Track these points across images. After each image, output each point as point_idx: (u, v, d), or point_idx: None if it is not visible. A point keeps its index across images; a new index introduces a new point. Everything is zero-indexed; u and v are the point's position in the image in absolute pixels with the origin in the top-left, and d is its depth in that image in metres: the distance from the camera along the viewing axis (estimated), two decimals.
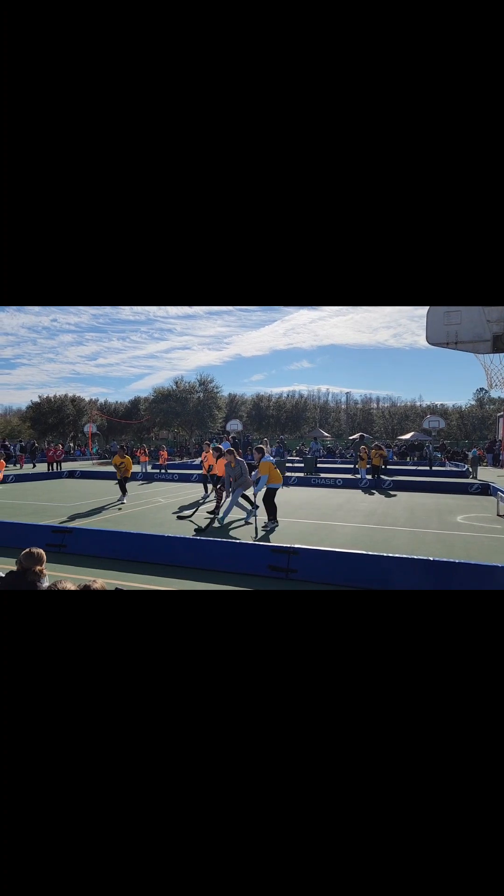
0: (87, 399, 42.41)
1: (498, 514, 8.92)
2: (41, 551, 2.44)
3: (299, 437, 39.74)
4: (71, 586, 1.88)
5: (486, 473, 18.17)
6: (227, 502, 7.66)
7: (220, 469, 8.27)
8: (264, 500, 7.19)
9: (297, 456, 27.35)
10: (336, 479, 14.62)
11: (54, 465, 18.87)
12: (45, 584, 2.35)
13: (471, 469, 16.60)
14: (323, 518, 8.53)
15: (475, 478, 15.15)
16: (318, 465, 18.65)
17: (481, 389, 45.39)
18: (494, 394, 36.11)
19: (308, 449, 24.51)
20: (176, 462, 22.90)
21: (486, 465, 24.02)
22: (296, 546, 5.18)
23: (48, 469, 18.38)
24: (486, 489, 12.40)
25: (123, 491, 10.16)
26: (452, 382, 77.70)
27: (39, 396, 39.72)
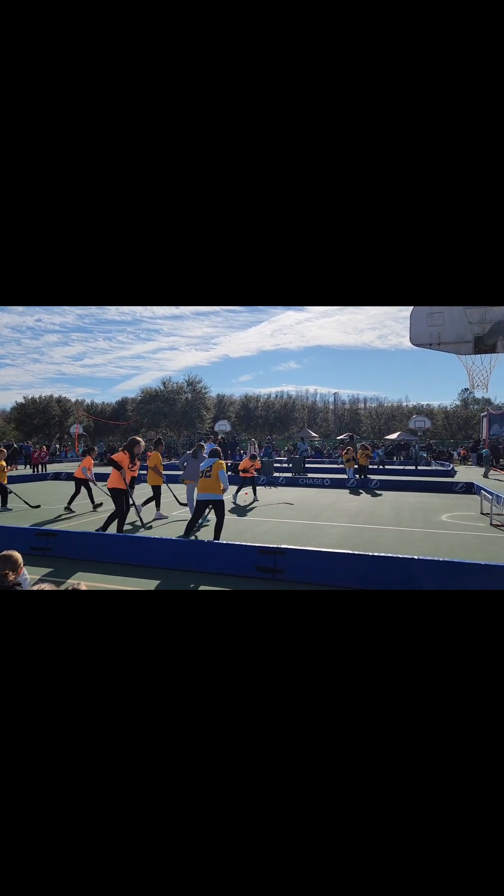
0: (73, 400, 42.00)
1: (481, 513, 9.05)
2: (14, 554, 2.35)
3: (287, 437, 39.81)
4: (49, 588, 1.85)
5: (470, 473, 18.42)
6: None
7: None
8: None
9: (284, 456, 27.38)
10: (324, 479, 14.70)
11: (39, 466, 18.60)
12: (26, 587, 2.32)
13: (484, 467, 17.30)
14: (310, 518, 8.56)
15: (487, 476, 15.62)
16: (306, 466, 18.72)
17: (466, 390, 46.10)
18: (478, 394, 36.62)
19: (295, 449, 24.59)
20: (164, 463, 22.83)
21: (471, 465, 24.35)
22: (283, 546, 5.19)
23: (33, 471, 18.11)
24: (470, 488, 12.60)
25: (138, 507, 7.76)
26: (438, 383, 78.77)
27: (24, 397, 39.21)
